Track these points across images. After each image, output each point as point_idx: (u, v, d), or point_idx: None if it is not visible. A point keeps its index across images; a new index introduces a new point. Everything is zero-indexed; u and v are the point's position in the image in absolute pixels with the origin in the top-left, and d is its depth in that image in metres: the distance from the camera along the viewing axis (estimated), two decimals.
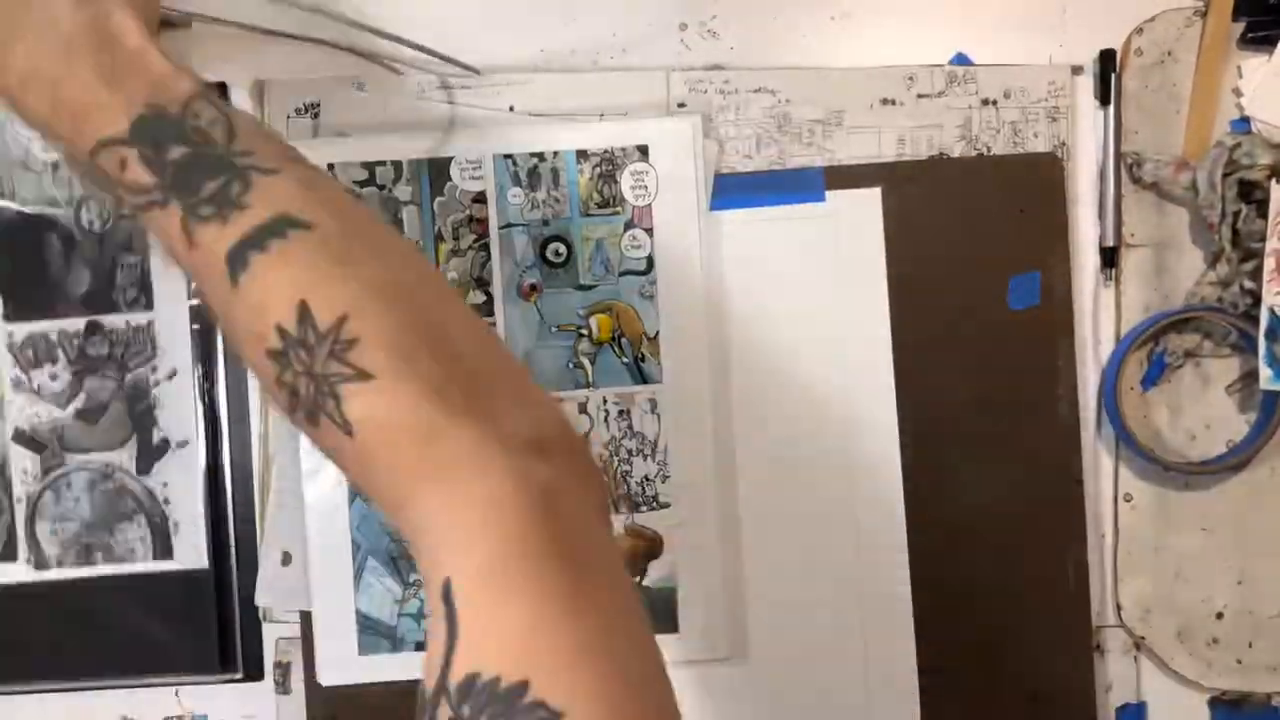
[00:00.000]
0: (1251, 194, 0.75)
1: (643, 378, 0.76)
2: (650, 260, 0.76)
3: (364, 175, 0.76)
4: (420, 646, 0.75)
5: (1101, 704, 0.77)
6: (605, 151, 0.76)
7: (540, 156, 0.77)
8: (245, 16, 0.77)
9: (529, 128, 0.77)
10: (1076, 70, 0.78)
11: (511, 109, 0.77)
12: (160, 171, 0.51)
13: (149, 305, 0.77)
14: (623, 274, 0.76)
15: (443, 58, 0.76)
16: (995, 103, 0.78)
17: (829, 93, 0.78)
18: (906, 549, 0.76)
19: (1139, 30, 0.78)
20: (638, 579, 0.76)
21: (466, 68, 0.77)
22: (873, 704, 0.76)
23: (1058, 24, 0.79)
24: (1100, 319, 0.78)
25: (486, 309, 0.76)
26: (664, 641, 0.47)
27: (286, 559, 0.76)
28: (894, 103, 0.78)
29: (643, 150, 0.76)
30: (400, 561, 0.75)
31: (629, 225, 0.76)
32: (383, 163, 0.76)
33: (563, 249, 0.76)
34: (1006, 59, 0.78)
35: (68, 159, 0.58)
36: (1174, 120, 0.78)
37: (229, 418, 0.77)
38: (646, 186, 0.76)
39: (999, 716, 0.76)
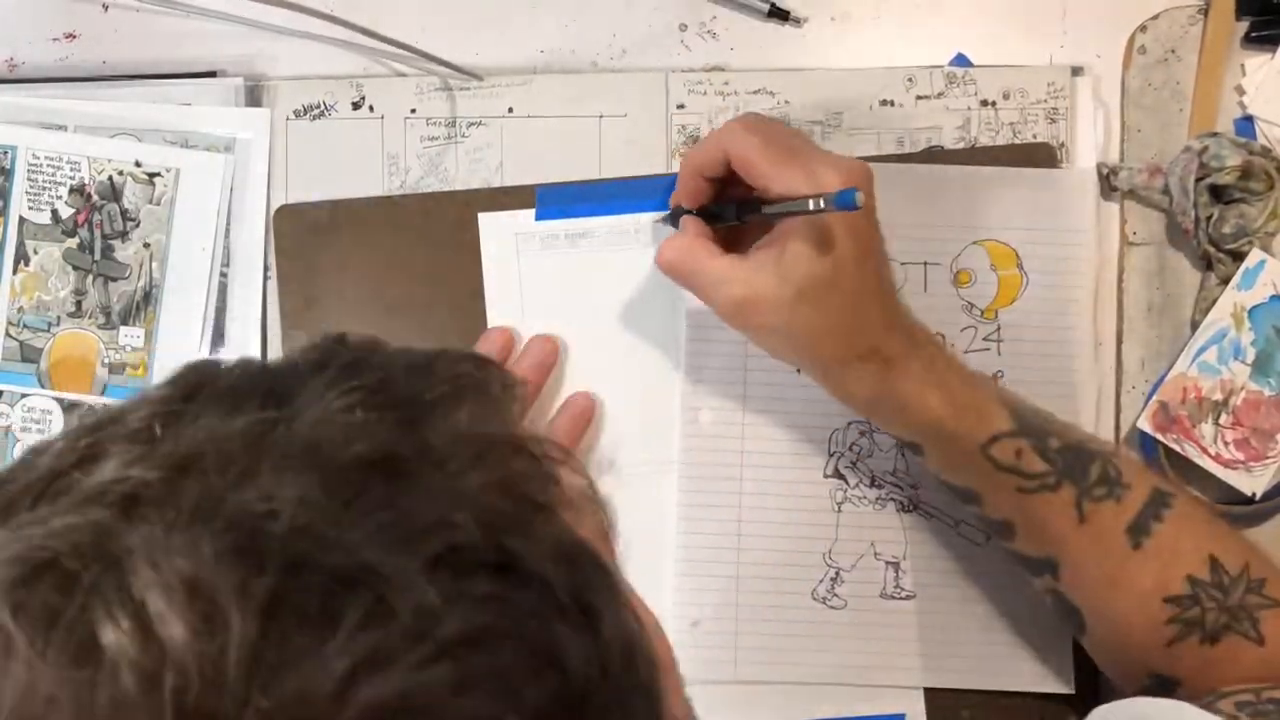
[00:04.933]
0: (1223, 196, 0.75)
1: None
2: None
3: None
4: None
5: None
6: None
7: None
8: (247, 13, 0.78)
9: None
10: (1076, 71, 0.78)
11: (511, 110, 0.78)
12: (1050, 460, 0.65)
13: None
14: None
15: (444, 64, 0.77)
16: (994, 104, 0.77)
17: (828, 94, 0.78)
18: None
19: (1142, 28, 0.78)
20: None
21: (468, 73, 0.77)
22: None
23: (1057, 25, 0.79)
24: (1101, 318, 0.78)
25: None
26: None
27: None
28: (893, 104, 0.78)
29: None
30: None
31: None
32: None
33: None
34: (1006, 60, 0.78)
35: (948, 447, 0.67)
36: (1177, 119, 0.78)
37: None
38: None
39: (997, 717, 0.76)
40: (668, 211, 0.74)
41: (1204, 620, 0.64)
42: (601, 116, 0.78)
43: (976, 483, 0.67)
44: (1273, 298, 0.74)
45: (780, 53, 0.79)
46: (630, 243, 0.77)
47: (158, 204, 0.78)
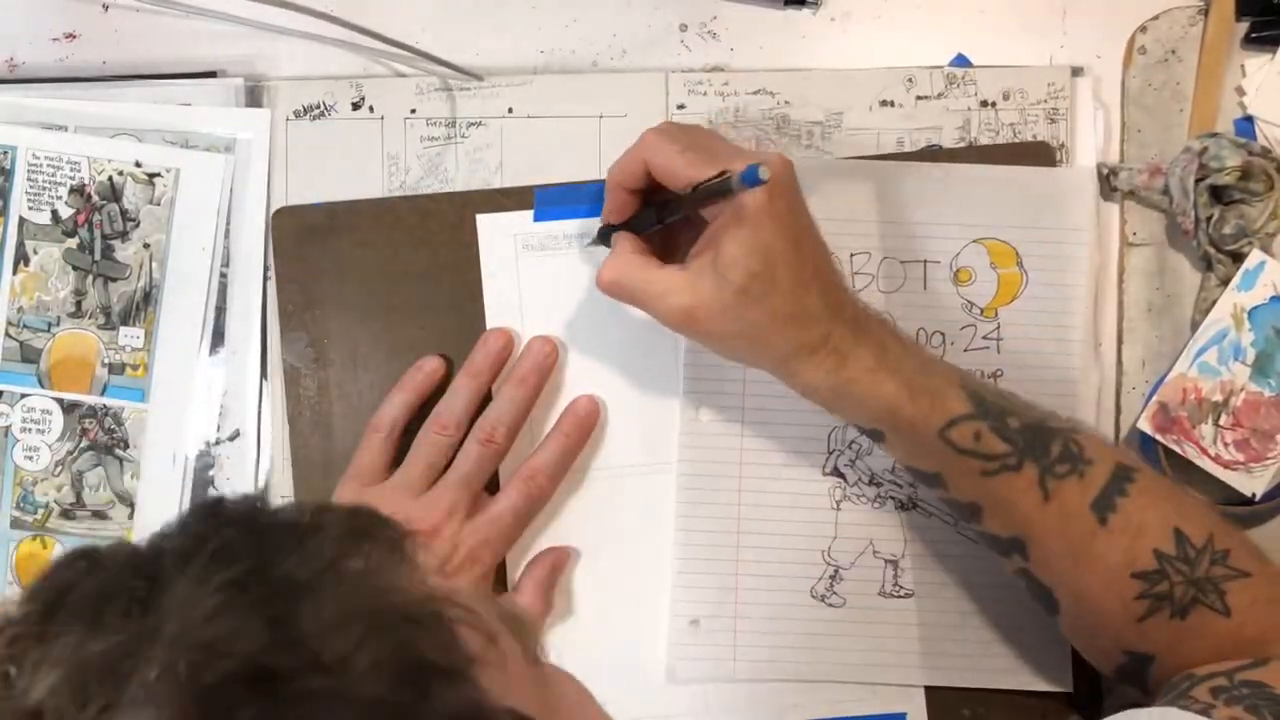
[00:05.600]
0: (1223, 197, 0.75)
1: None
2: None
3: None
4: None
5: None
6: None
7: None
8: (247, 13, 0.78)
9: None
10: (1076, 71, 0.78)
11: (511, 110, 0.78)
12: (1011, 440, 0.65)
13: None
14: None
15: (444, 64, 0.77)
16: (994, 104, 0.77)
17: (828, 94, 0.78)
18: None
19: (1142, 28, 0.78)
20: None
21: (468, 73, 0.77)
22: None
23: (1057, 25, 0.78)
24: (1101, 318, 0.78)
25: None
26: None
27: None
28: (893, 104, 0.78)
29: None
30: None
31: None
32: None
33: None
34: (1006, 60, 0.78)
35: (906, 434, 0.67)
36: (1178, 119, 0.78)
37: None
38: None
39: (998, 717, 0.76)
40: (598, 228, 0.74)
41: (1172, 594, 0.64)
42: (601, 116, 0.78)
43: (939, 467, 0.68)
44: (1273, 298, 0.74)
45: (780, 53, 0.79)
46: None
47: (158, 204, 0.78)
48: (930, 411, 0.66)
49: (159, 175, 0.78)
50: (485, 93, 0.78)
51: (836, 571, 0.76)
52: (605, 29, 0.79)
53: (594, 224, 0.75)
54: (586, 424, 0.75)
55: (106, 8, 0.79)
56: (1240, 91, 0.78)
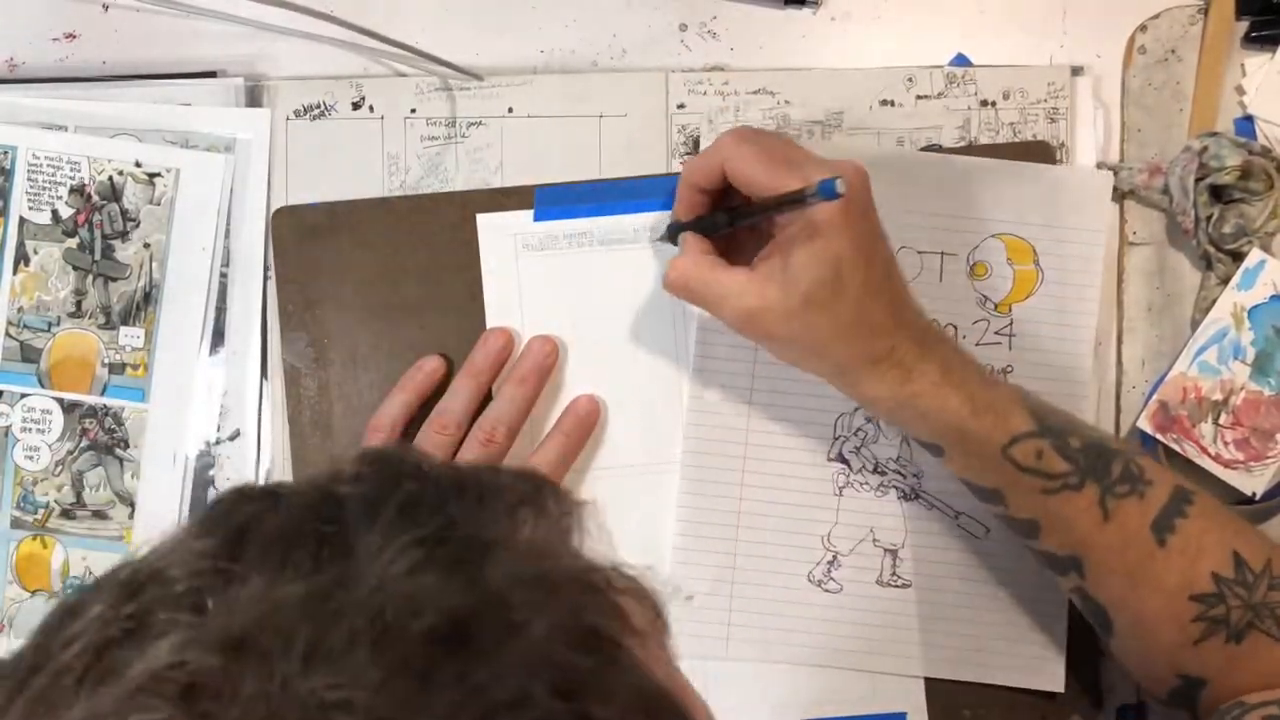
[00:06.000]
0: (1223, 196, 0.75)
1: None
2: None
3: None
4: None
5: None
6: None
7: None
8: (247, 13, 0.78)
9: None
10: (1076, 71, 0.78)
11: (511, 110, 0.78)
12: (1072, 459, 0.65)
13: None
14: None
15: (445, 64, 0.77)
16: (994, 104, 0.77)
17: (828, 94, 0.78)
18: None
19: (1142, 28, 0.78)
20: None
21: (468, 73, 0.77)
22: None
23: (1058, 25, 0.78)
24: (1101, 318, 0.78)
25: None
26: None
27: None
28: (893, 104, 0.78)
29: None
30: None
31: None
32: None
33: None
34: (1006, 60, 0.78)
35: (969, 449, 0.67)
36: (1178, 118, 0.78)
37: None
38: None
39: (998, 717, 0.76)
40: (667, 225, 0.74)
41: (1229, 618, 0.64)
42: (601, 116, 0.78)
43: (999, 483, 0.67)
44: (1273, 297, 0.74)
45: (780, 52, 0.79)
46: (629, 243, 0.77)
47: (158, 204, 0.78)
48: (993, 428, 0.66)
49: (159, 175, 0.78)
50: (485, 93, 0.78)
51: (835, 557, 0.76)
52: (605, 29, 0.79)
53: (600, 223, 0.76)
54: (587, 423, 0.75)
55: (106, 8, 0.79)
56: (1240, 91, 0.78)
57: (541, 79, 0.78)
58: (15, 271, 0.78)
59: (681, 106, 0.78)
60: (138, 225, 0.78)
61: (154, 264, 0.78)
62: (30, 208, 0.78)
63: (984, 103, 0.77)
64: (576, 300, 0.77)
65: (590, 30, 0.79)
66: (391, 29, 0.77)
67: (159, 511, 0.77)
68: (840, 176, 0.61)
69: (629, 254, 0.77)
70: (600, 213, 0.77)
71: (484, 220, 0.77)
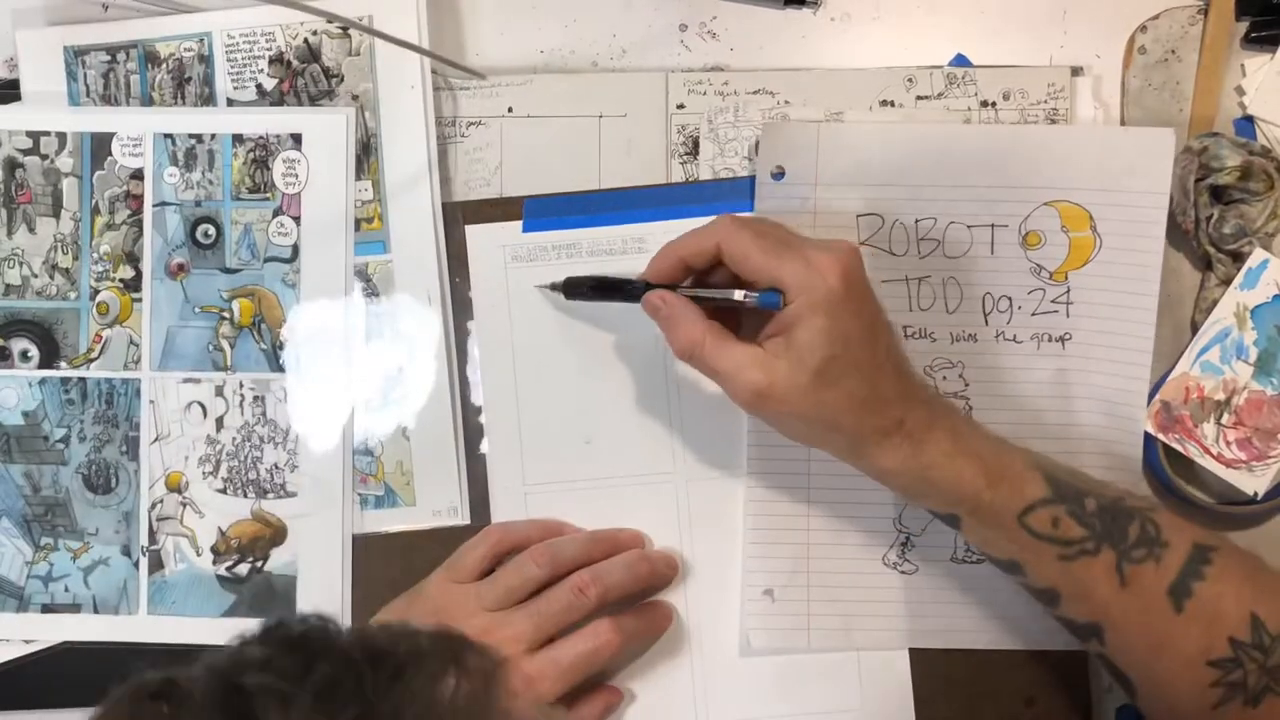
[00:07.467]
0: (1223, 196, 0.75)
1: (279, 365, 0.77)
2: (296, 248, 0.77)
3: (29, 144, 0.78)
4: (46, 609, 0.77)
5: (1102, 704, 0.77)
6: (260, 137, 0.77)
7: (199, 138, 0.77)
8: None
9: (192, 110, 0.78)
10: (1076, 71, 0.78)
11: (510, 110, 0.78)
12: (1088, 524, 0.65)
13: None
14: (268, 260, 0.77)
15: (448, 62, 0.77)
16: (994, 104, 0.77)
17: (828, 94, 0.77)
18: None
19: (1142, 28, 0.78)
20: (260, 564, 0.77)
21: (471, 72, 0.77)
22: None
23: (1058, 25, 0.79)
24: None
25: (135, 285, 0.77)
26: None
27: None
28: (893, 104, 0.78)
29: (296, 138, 0.76)
30: (33, 524, 0.77)
31: (278, 212, 0.77)
32: (47, 133, 0.78)
33: (212, 230, 0.77)
34: (1006, 60, 0.78)
35: (984, 518, 0.67)
36: (1177, 119, 0.78)
37: None
38: (297, 175, 0.77)
39: (998, 717, 0.76)
40: (586, 279, 0.74)
41: (1246, 682, 0.64)
42: (601, 116, 0.78)
43: (1016, 553, 0.67)
44: (1275, 297, 0.74)
45: (780, 53, 0.79)
46: (617, 254, 0.77)
47: (357, 54, 0.78)
48: (1009, 496, 0.66)
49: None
50: (485, 92, 0.78)
51: (908, 539, 0.76)
52: (605, 29, 0.79)
53: (589, 234, 0.76)
54: (663, 617, 0.75)
55: (106, 8, 0.79)
56: (1240, 91, 0.78)
57: (541, 79, 0.78)
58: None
59: (681, 106, 0.78)
60: (341, 80, 0.77)
61: (366, 114, 0.77)
62: (235, 87, 0.78)
63: (984, 103, 0.77)
64: (565, 313, 0.77)
65: (590, 30, 0.79)
66: (391, 27, 0.77)
67: None
68: (846, 266, 0.65)
69: (618, 265, 0.76)
70: (589, 224, 0.76)
71: (473, 232, 0.77)
